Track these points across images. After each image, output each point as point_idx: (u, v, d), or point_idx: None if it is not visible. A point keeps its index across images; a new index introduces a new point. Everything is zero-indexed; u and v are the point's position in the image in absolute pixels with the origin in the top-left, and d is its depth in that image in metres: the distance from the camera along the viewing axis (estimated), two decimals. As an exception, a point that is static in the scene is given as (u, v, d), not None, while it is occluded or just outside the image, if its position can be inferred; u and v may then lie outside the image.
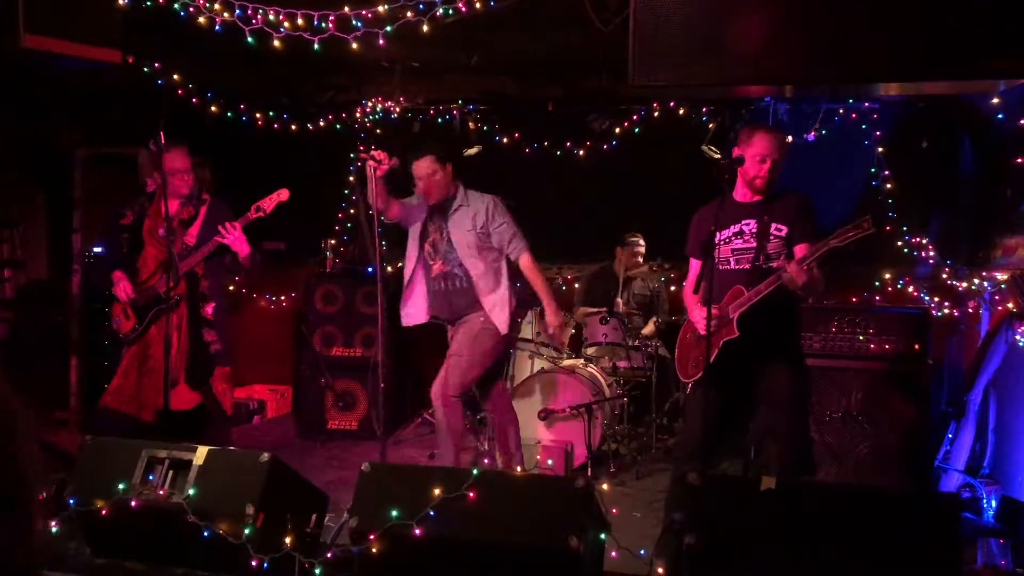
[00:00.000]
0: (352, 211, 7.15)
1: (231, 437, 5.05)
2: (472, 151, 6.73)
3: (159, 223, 4.63)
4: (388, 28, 3.89)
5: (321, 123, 6.60)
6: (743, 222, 3.76)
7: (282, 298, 7.42)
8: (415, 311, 4.90)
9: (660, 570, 3.10)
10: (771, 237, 3.70)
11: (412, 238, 4.85)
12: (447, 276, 4.73)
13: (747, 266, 3.73)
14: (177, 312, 4.64)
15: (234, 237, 4.53)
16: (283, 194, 4.65)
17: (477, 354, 4.66)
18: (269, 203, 4.62)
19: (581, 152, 6.67)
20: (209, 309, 4.73)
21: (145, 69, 5.18)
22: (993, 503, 4.66)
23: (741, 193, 3.79)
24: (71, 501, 3.26)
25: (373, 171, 4.37)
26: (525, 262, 4.76)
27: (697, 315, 3.77)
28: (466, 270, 4.67)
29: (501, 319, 4.68)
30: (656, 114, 6.42)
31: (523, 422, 5.53)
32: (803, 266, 3.45)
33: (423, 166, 4.64)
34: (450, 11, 3.93)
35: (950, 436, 5.02)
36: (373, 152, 4.38)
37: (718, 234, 3.72)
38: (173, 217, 4.70)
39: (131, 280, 4.70)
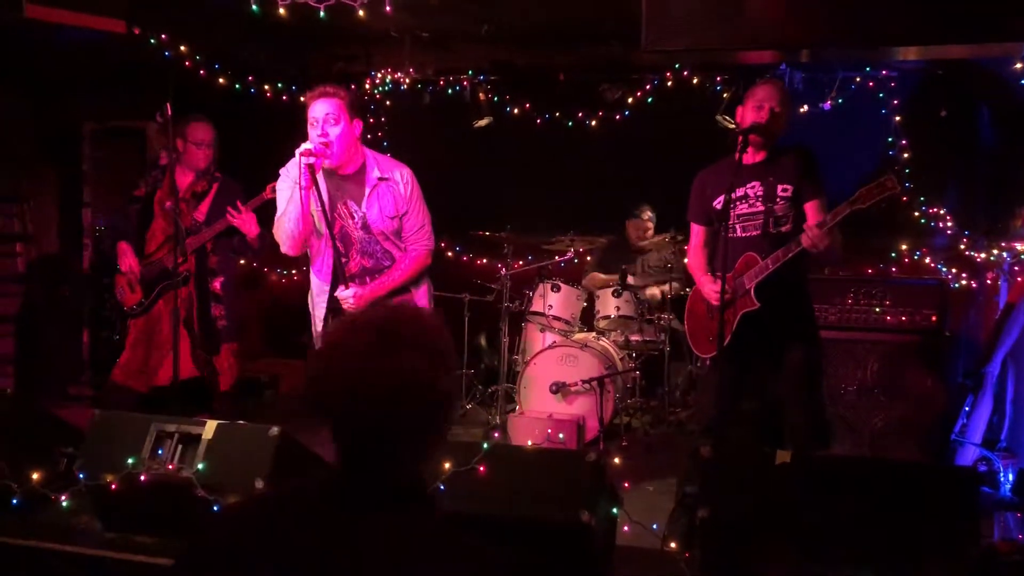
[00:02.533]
0: None
1: (236, 410, 5.03)
2: (483, 122, 6.66)
3: (170, 195, 4.59)
4: (395, -6, 3.82)
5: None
6: (747, 185, 3.62)
7: (293, 272, 7.40)
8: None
9: (673, 544, 3.07)
10: (778, 199, 3.59)
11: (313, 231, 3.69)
12: (371, 272, 3.74)
13: (757, 232, 3.62)
14: (187, 287, 4.64)
15: (244, 219, 4.46)
16: None
17: None
18: None
19: (593, 122, 6.59)
20: (217, 284, 4.72)
21: (152, 40, 5.13)
22: (1010, 476, 4.60)
23: (745, 155, 3.66)
24: (80, 475, 3.25)
25: (311, 169, 3.46)
26: (420, 255, 3.78)
27: (708, 287, 3.69)
28: (393, 258, 3.75)
29: (422, 295, 3.87)
30: (669, 83, 6.33)
31: (535, 395, 5.52)
32: (825, 229, 3.35)
33: (326, 106, 3.50)
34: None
35: (967, 409, 4.96)
36: (310, 149, 3.44)
37: (721, 198, 3.62)
38: (186, 189, 4.70)
39: (138, 252, 4.70)
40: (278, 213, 3.65)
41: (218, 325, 4.71)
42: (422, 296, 3.86)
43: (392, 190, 3.67)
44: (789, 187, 3.58)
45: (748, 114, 3.60)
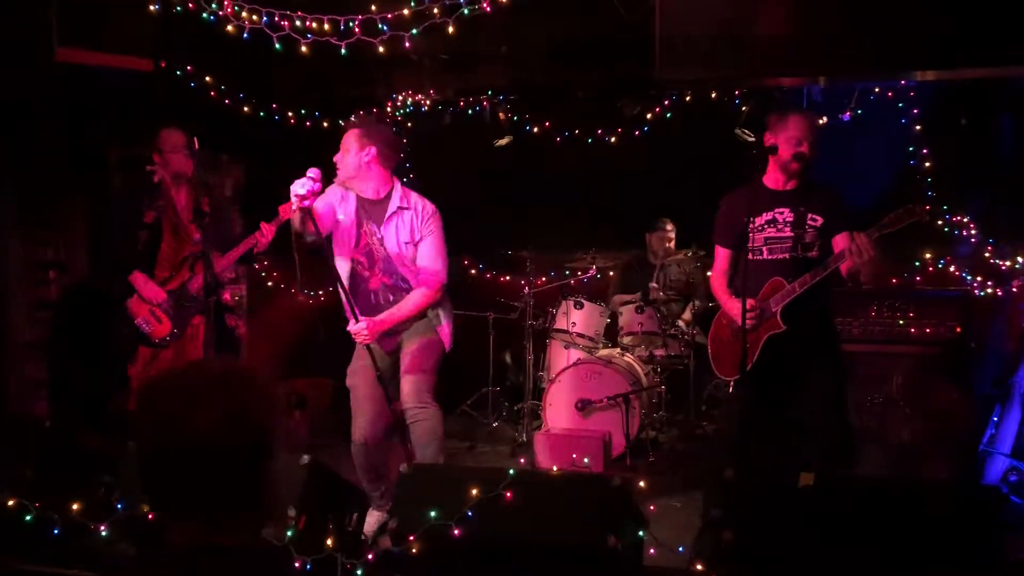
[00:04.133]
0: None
1: None
2: (503, 141, 6.73)
3: (179, 217, 4.59)
4: (414, 31, 3.90)
5: (352, 119, 6.62)
6: (776, 210, 3.69)
7: (320, 293, 7.48)
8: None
9: (699, 566, 3.10)
10: (807, 228, 3.65)
11: (338, 242, 4.04)
12: (391, 290, 4.06)
13: (785, 256, 3.67)
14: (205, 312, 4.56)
15: (267, 240, 4.50)
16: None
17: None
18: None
19: (612, 139, 6.63)
20: (227, 295, 4.69)
21: (177, 72, 5.24)
22: (1041, 487, 4.57)
23: (773, 180, 3.72)
24: (119, 505, 3.33)
25: (299, 201, 3.64)
26: (428, 290, 3.99)
27: (737, 311, 3.72)
28: (410, 285, 4.04)
29: (446, 332, 4.16)
30: (688, 98, 6.35)
31: (560, 412, 5.55)
32: (873, 238, 3.38)
33: (344, 140, 3.97)
34: (476, 8, 3.92)
35: (995, 419, 4.93)
36: (296, 183, 3.64)
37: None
38: (184, 207, 4.60)
39: (155, 279, 4.57)
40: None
41: (236, 334, 4.70)
42: (446, 334, 4.12)
43: (410, 218, 4.00)
44: (819, 219, 3.64)
45: (785, 149, 3.61)
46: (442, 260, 4.04)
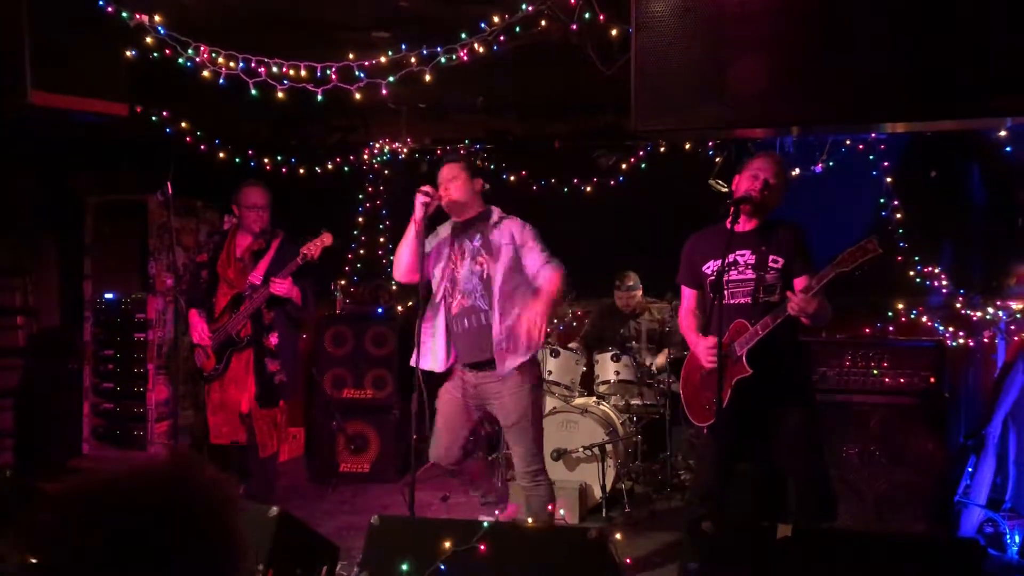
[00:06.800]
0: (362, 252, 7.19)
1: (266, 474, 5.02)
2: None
3: (231, 261, 4.90)
4: (391, 79, 3.91)
5: (329, 166, 6.63)
6: (737, 252, 3.66)
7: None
8: (430, 357, 4.13)
9: (676, 620, 3.05)
10: (769, 269, 3.62)
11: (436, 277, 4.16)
12: (470, 311, 4.04)
13: (746, 299, 3.64)
14: (246, 352, 4.85)
15: (284, 289, 4.70)
16: (327, 239, 4.76)
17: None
18: (315, 248, 4.71)
19: (588, 188, 6.67)
20: (273, 339, 4.86)
21: (153, 118, 5.22)
22: (1016, 538, 4.57)
23: (738, 224, 3.71)
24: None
25: (424, 207, 3.91)
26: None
27: (702, 347, 3.70)
28: (492, 303, 3.98)
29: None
30: (662, 149, 6.41)
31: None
32: (810, 295, 3.38)
33: (448, 170, 4.05)
34: (452, 57, 3.94)
35: (970, 470, 4.93)
36: (425, 188, 3.94)
37: (711, 264, 3.67)
38: (245, 250, 4.92)
39: (208, 317, 4.90)
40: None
41: (275, 380, 4.86)
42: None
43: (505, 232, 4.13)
44: (780, 259, 3.61)
45: (743, 183, 3.65)
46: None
